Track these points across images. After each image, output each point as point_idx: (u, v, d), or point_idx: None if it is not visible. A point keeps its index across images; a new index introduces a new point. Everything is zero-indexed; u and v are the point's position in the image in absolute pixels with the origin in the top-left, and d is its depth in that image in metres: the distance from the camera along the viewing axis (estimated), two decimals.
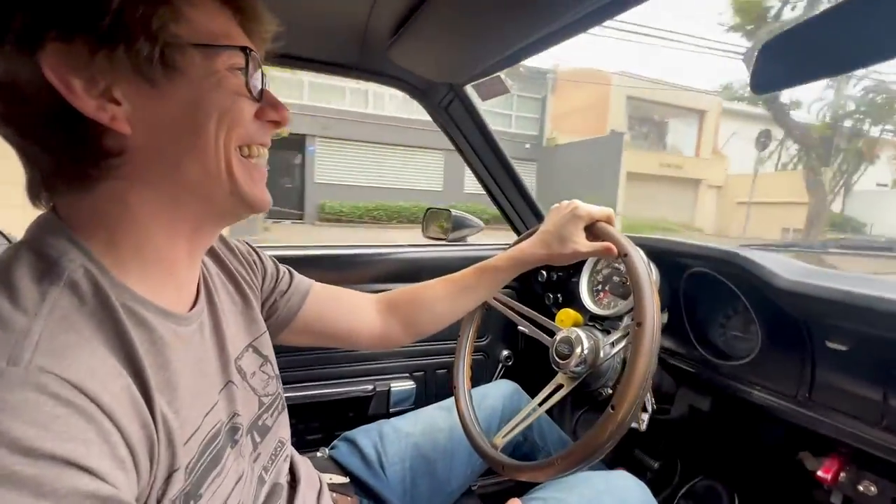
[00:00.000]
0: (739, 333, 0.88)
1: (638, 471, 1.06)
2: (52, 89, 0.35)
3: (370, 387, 1.16)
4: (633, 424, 0.87)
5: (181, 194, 0.42)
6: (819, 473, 0.70)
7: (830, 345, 0.67)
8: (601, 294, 1.01)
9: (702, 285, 0.88)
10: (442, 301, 0.77)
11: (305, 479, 0.63)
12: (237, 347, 0.54)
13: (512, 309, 0.94)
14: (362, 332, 0.75)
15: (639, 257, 0.68)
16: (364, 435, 0.85)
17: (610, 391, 0.88)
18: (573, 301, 1.16)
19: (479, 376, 1.38)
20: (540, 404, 0.81)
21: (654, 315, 0.63)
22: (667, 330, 0.96)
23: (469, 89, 1.06)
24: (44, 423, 0.28)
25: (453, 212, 1.38)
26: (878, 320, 0.59)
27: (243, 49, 0.42)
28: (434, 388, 1.26)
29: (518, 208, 1.30)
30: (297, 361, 1.08)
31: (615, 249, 0.70)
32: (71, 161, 0.38)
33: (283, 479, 0.59)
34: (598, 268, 1.06)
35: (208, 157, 0.41)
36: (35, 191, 0.40)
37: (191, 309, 0.47)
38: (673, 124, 17.75)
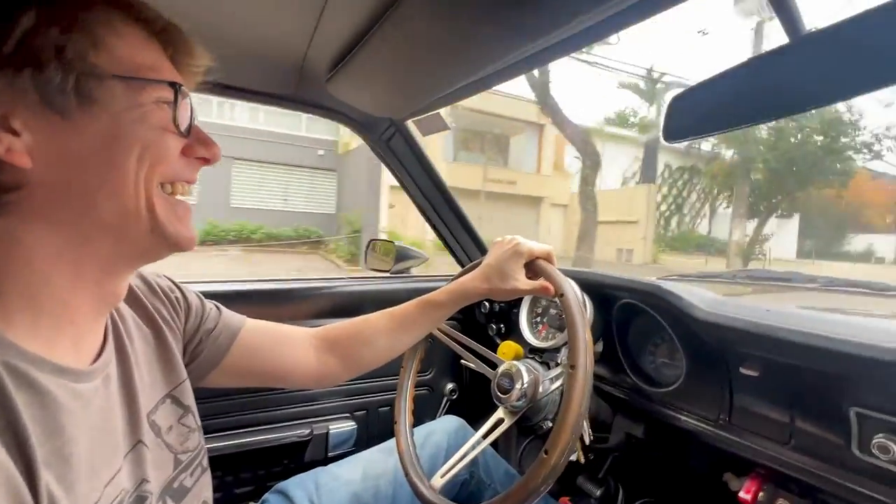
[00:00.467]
0: (667, 360, 0.93)
1: (582, 498, 1.07)
2: None
3: (306, 430, 1.09)
4: (572, 457, 0.88)
5: (93, 233, 0.38)
6: (741, 494, 0.74)
7: (744, 371, 0.72)
8: (541, 326, 1.04)
9: (632, 315, 0.92)
10: (383, 335, 0.75)
11: None
12: (151, 400, 0.48)
13: (456, 341, 0.94)
14: (298, 370, 0.71)
15: (574, 297, 0.70)
16: (298, 486, 0.79)
17: (550, 424, 0.89)
18: (515, 331, 1.18)
19: (424, 412, 1.34)
20: (480, 440, 0.80)
21: (586, 359, 0.65)
22: (602, 359, 0.99)
23: (410, 124, 1.08)
24: None
25: (396, 243, 1.36)
26: (780, 348, 0.65)
27: (171, 84, 0.40)
28: (377, 427, 1.21)
29: (461, 241, 1.31)
30: (222, 407, 0.99)
31: (552, 290, 0.72)
32: None
33: None
34: (537, 301, 1.08)
35: (126, 193, 0.38)
36: None
37: (94, 361, 0.42)
38: (518, 139, 15.77)
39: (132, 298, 0.52)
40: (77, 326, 0.40)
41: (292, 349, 0.71)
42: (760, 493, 0.73)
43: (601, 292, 0.95)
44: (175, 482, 0.49)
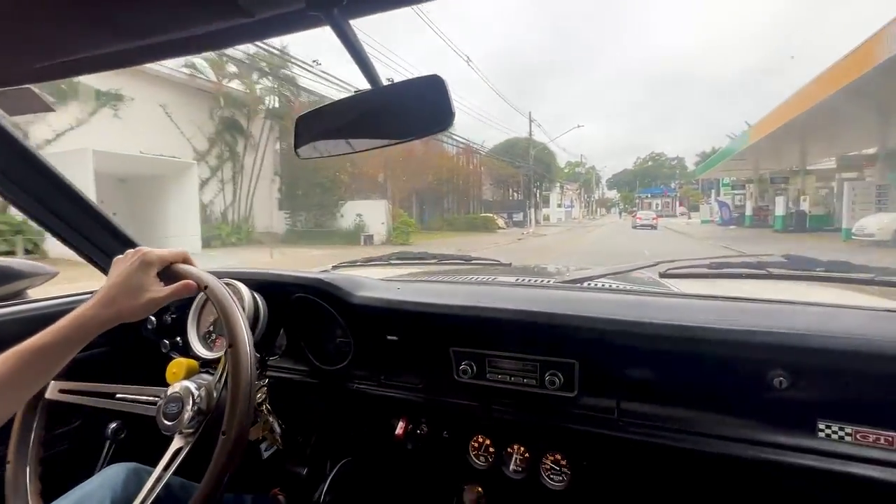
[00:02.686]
0: (343, 340, 1.06)
1: (292, 482, 1.11)
2: None
3: None
4: (272, 448, 0.90)
5: None
6: (397, 432, 0.95)
7: (390, 337, 0.91)
8: (214, 337, 0.98)
9: (306, 307, 1.00)
10: None
11: None
12: None
13: (92, 394, 0.77)
14: None
15: (219, 285, 0.69)
16: None
17: None
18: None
19: (77, 476, 1.05)
20: (157, 479, 0.71)
21: (244, 334, 0.66)
22: (286, 352, 1.04)
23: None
24: None
25: None
26: (404, 316, 0.86)
27: None
28: None
29: (95, 238, 1.04)
30: None
31: (194, 284, 0.68)
32: None
33: None
34: (206, 312, 1.01)
35: None
36: None
37: None
38: None
39: None
40: None
41: None
42: (409, 427, 0.96)
43: (275, 289, 0.98)
44: None
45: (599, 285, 0.99)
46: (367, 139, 0.58)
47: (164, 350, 1.11)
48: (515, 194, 35.71)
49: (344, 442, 1.20)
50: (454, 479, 0.96)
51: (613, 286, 0.99)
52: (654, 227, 26.70)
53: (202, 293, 0.69)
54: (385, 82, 0.56)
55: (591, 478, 0.83)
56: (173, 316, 1.11)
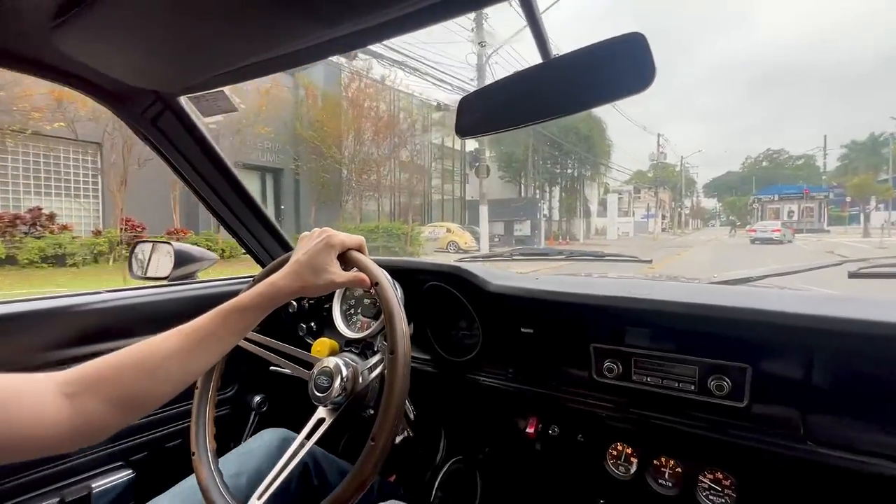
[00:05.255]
0: (468, 332, 1.06)
1: (411, 470, 1.13)
2: None
3: (54, 499, 0.81)
4: (403, 433, 0.92)
5: None
6: (527, 430, 0.91)
7: (524, 329, 0.88)
8: (355, 318, 1.04)
9: (437, 296, 1.02)
10: (174, 360, 0.60)
11: None
12: None
13: (265, 347, 0.85)
14: (42, 432, 0.50)
15: (389, 286, 0.72)
16: None
17: (371, 411, 0.90)
18: (328, 327, 1.14)
19: (229, 435, 1.18)
20: (301, 445, 0.76)
21: (404, 344, 0.68)
22: (413, 340, 1.06)
23: (185, 101, 0.91)
24: None
25: (174, 244, 1.14)
26: (544, 307, 0.83)
27: None
28: (166, 468, 1.00)
29: (259, 237, 1.18)
30: None
31: (368, 280, 0.71)
32: None
33: None
34: (349, 292, 1.08)
35: None
36: None
37: None
38: None
39: None
40: None
41: (29, 405, 0.50)
42: (540, 426, 0.92)
43: (409, 277, 1.01)
44: None
45: (767, 285, 0.87)
46: (541, 113, 0.58)
47: (300, 333, 1.20)
48: (539, 191, 22.95)
49: (466, 436, 1.19)
50: (589, 487, 0.89)
51: (785, 286, 0.87)
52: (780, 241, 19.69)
53: (372, 288, 0.72)
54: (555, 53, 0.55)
55: (762, 502, 0.72)
56: (310, 302, 1.20)
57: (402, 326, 0.69)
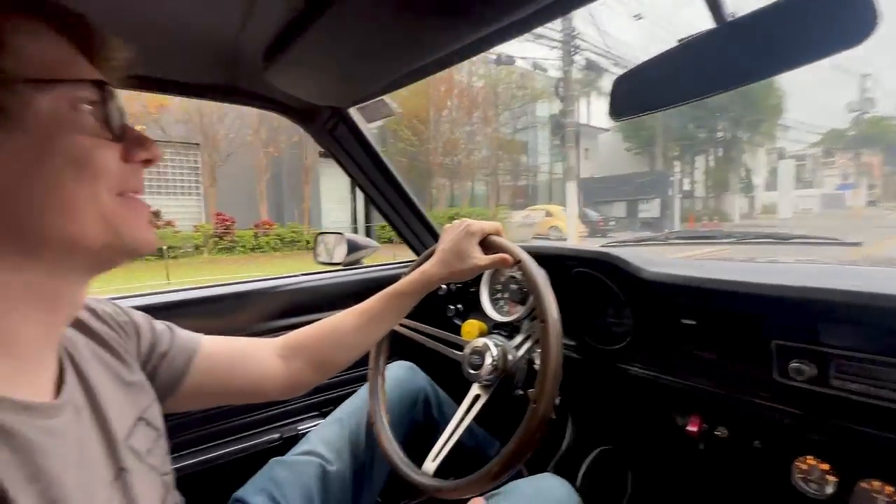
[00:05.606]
0: (615, 320, 1.01)
1: (548, 455, 1.15)
2: None
3: (276, 435, 1.05)
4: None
5: (35, 255, 0.35)
6: (688, 428, 0.84)
7: (685, 321, 0.81)
8: (501, 302, 1.08)
9: (583, 283, 1.00)
10: (352, 333, 0.74)
11: None
12: (124, 425, 0.45)
13: (418, 331, 0.95)
14: (267, 383, 0.68)
15: (531, 261, 0.75)
16: (256, 491, 0.75)
17: (520, 392, 0.94)
18: (474, 309, 1.21)
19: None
20: (462, 419, 0.84)
21: (554, 310, 0.70)
22: None
23: (354, 112, 1.05)
24: None
25: (347, 234, 1.34)
26: (712, 297, 0.75)
27: (95, 82, 0.36)
28: None
29: (415, 230, 1.31)
30: (183, 425, 0.93)
31: (510, 259, 0.76)
32: None
33: None
34: (495, 278, 1.13)
35: (73, 210, 0.35)
36: None
37: (57, 394, 0.38)
38: None
39: (80, 326, 0.48)
40: (30, 360, 0.36)
41: (257, 363, 0.67)
42: (704, 425, 0.84)
43: (554, 263, 1.01)
44: (168, 501, 0.47)
45: None
46: (712, 85, 0.52)
47: (449, 314, 1.30)
48: (677, 162, 18.08)
49: (611, 427, 1.16)
50: (769, 501, 0.79)
51: None
52: None
53: (515, 266, 0.76)
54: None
55: None
56: (458, 286, 1.29)
57: (550, 296, 0.71)
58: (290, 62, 0.77)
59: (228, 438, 1.00)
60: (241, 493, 0.75)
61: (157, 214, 9.89)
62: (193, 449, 0.95)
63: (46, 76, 0.33)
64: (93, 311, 0.51)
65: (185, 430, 0.94)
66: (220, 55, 0.77)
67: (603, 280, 0.94)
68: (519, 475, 1.14)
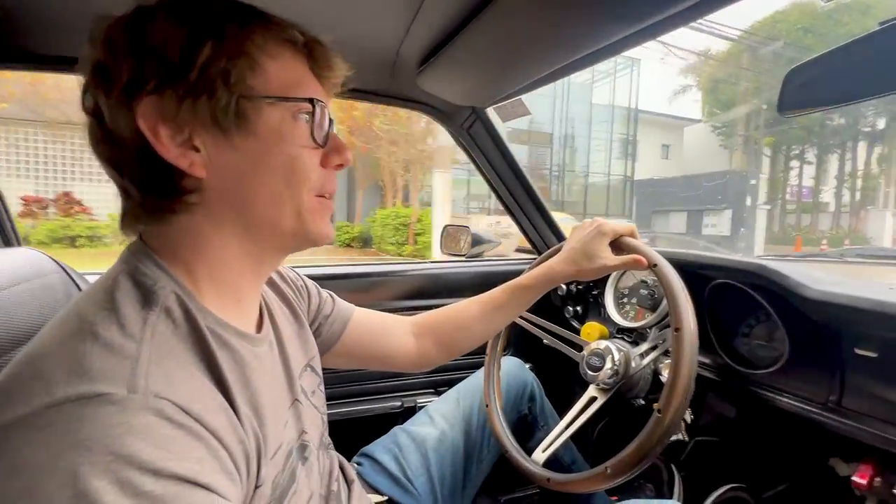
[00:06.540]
0: (764, 342, 0.90)
1: (631, 494, 1.07)
2: (142, 135, 0.38)
3: (398, 403, 1.17)
4: (677, 436, 0.88)
5: (249, 231, 0.44)
6: (854, 479, 0.72)
7: (860, 351, 0.69)
8: (627, 307, 1.04)
9: (724, 296, 0.90)
10: (477, 321, 0.79)
11: (358, 496, 0.65)
12: (298, 367, 0.56)
13: (537, 326, 0.97)
14: (400, 356, 0.77)
15: (668, 266, 0.71)
16: (382, 450, 0.84)
17: (642, 402, 0.90)
18: (595, 312, 1.18)
19: None
20: (576, 417, 0.84)
21: (691, 319, 0.66)
22: None
23: (490, 111, 1.11)
24: (164, 446, 0.30)
25: (472, 229, 1.41)
26: None
27: (310, 100, 0.43)
28: None
29: (538, 227, 1.33)
30: (333, 379, 1.10)
31: (644, 261, 0.73)
32: (154, 196, 0.41)
33: (343, 497, 0.61)
34: (622, 282, 1.08)
35: (277, 203, 0.43)
36: (126, 221, 0.43)
37: (258, 330, 0.49)
38: None
39: (272, 285, 0.61)
40: (243, 301, 0.48)
41: (394, 337, 0.77)
42: (877, 479, 0.70)
43: (692, 272, 0.93)
44: (324, 437, 0.57)
45: None
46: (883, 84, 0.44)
47: (567, 315, 1.28)
48: (783, 157, 12.16)
49: (747, 463, 1.03)
50: None
51: None
52: None
53: (650, 270, 0.73)
54: None
55: None
56: (579, 287, 1.27)
57: (687, 304, 0.67)
58: (441, 68, 0.85)
59: (360, 398, 1.15)
60: (369, 448, 0.87)
61: None
62: (331, 402, 1.11)
63: (279, 94, 0.42)
64: (280, 274, 0.64)
65: (334, 383, 1.10)
66: (380, 64, 0.89)
67: (752, 295, 0.84)
68: (644, 495, 1.09)
